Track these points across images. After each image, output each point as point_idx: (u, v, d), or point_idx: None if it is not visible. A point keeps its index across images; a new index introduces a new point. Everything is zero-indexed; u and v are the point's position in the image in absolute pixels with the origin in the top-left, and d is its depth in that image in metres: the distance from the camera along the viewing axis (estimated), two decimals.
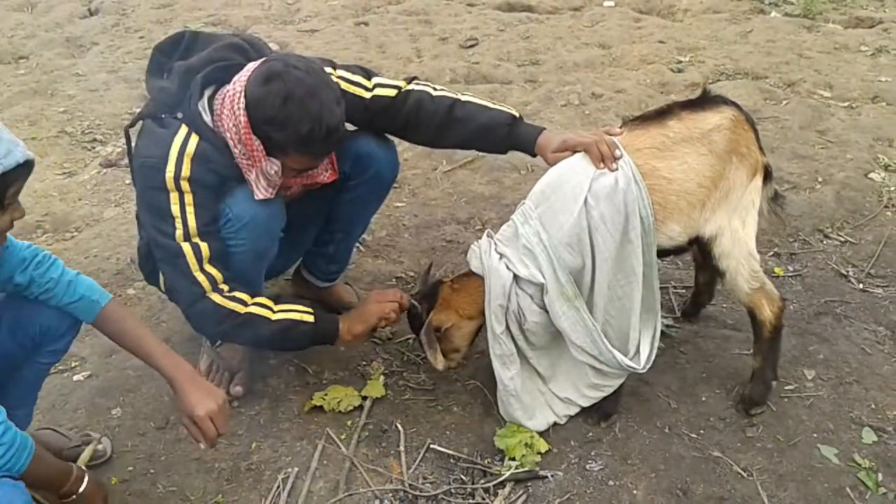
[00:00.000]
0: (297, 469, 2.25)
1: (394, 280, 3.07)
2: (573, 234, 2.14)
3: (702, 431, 2.39)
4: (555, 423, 2.39)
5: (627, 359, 2.26)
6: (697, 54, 5.19)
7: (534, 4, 6.12)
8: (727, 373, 2.59)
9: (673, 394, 2.52)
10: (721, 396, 2.51)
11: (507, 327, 2.26)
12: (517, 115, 2.40)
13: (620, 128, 2.30)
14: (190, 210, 2.12)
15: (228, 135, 2.13)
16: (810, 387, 2.54)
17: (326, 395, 2.48)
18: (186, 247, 2.12)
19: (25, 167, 1.71)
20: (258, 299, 2.20)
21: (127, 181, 3.78)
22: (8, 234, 1.90)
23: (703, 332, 2.80)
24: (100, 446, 2.26)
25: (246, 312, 2.16)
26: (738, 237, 2.27)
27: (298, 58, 2.15)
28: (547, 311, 2.22)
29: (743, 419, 2.42)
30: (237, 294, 2.17)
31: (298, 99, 2.02)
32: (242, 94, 2.07)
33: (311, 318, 2.23)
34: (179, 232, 2.11)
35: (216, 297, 2.15)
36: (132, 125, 2.24)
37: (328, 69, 2.30)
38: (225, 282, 2.17)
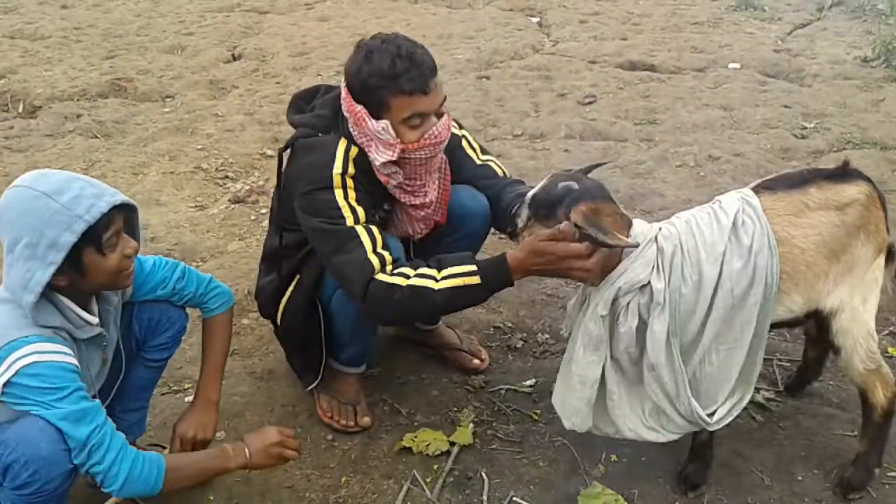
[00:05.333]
0: None
1: (492, 329, 3.13)
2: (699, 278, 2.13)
3: None
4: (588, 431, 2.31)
5: (703, 411, 2.19)
6: (824, 121, 5.06)
7: (656, 64, 6.13)
8: (827, 453, 2.49)
9: (768, 470, 2.45)
10: (819, 477, 2.42)
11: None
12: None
13: (756, 188, 2.25)
14: (353, 203, 2.27)
15: (350, 127, 2.29)
16: None
17: (416, 437, 2.55)
18: (361, 230, 2.25)
19: (119, 210, 1.88)
20: (421, 270, 2.19)
21: (252, 217, 4.03)
22: (146, 256, 2.18)
23: (805, 408, 2.70)
24: None
25: (407, 285, 2.17)
26: (858, 315, 2.21)
27: None
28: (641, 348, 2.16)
29: (840, 503, 2.33)
30: (401, 269, 2.21)
31: (377, 48, 2.21)
32: (343, 78, 2.29)
33: (476, 280, 2.16)
34: (350, 219, 2.25)
35: (382, 276, 2.19)
36: (286, 148, 2.40)
37: (454, 126, 2.53)
38: (393, 263, 2.24)
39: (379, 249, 2.23)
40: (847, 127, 4.94)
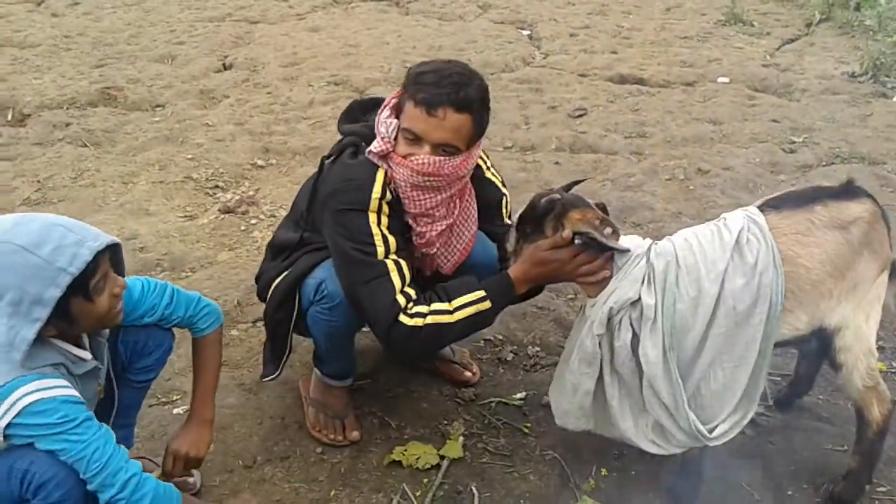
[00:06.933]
0: None
1: (482, 342, 3.13)
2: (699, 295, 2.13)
3: None
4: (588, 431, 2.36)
5: (703, 426, 2.20)
6: (812, 135, 5.09)
7: (646, 77, 6.15)
8: (817, 468, 2.50)
9: (757, 485, 2.45)
10: (808, 492, 2.42)
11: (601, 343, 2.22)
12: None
13: (762, 207, 2.26)
14: (386, 231, 2.25)
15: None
16: None
17: (406, 450, 2.54)
18: (391, 265, 2.22)
19: (106, 251, 1.83)
20: (434, 306, 2.22)
21: (242, 227, 4.01)
22: (136, 278, 2.14)
23: (794, 423, 2.71)
24: (191, 479, 2.39)
25: (425, 325, 2.19)
26: (860, 332, 2.22)
27: None
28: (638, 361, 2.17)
29: None
30: (418, 308, 2.21)
31: (437, 61, 2.26)
32: None
33: (487, 305, 2.23)
34: (381, 249, 2.22)
35: (404, 319, 2.19)
36: (332, 158, 2.37)
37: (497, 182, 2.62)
38: (414, 301, 2.22)
39: (406, 288, 2.23)
40: (835, 142, 4.97)
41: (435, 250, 2.45)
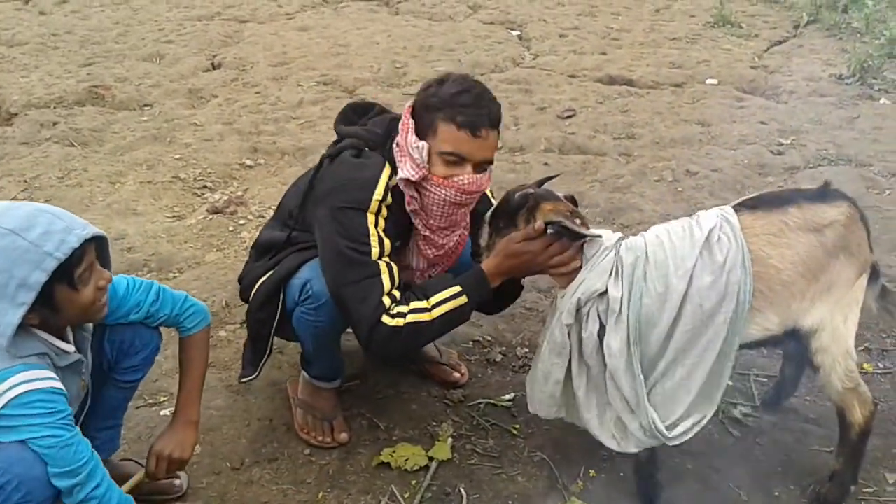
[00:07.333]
0: None
1: (471, 343, 3.13)
2: (666, 293, 2.14)
3: None
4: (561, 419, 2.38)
5: (661, 424, 2.19)
6: (800, 137, 5.11)
7: (635, 79, 6.16)
8: (803, 469, 2.51)
9: (745, 485, 2.46)
10: (795, 493, 2.43)
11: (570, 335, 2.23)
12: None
13: (738, 206, 2.26)
14: (382, 233, 2.27)
15: (395, 143, 2.31)
16: (891, 491, 2.43)
17: (395, 452, 2.54)
18: (384, 266, 2.24)
19: (91, 241, 1.83)
20: (412, 305, 2.23)
21: (230, 228, 4.00)
22: (122, 276, 2.12)
23: (781, 424, 2.72)
24: (177, 481, 2.38)
25: (405, 324, 2.21)
26: (838, 334, 2.23)
27: None
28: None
29: None
30: (398, 310, 2.22)
31: (455, 77, 2.28)
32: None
33: (464, 300, 2.25)
34: (376, 251, 2.24)
35: (386, 319, 2.20)
36: (332, 157, 2.38)
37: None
38: (397, 302, 2.24)
39: (394, 290, 2.24)
40: (822, 143, 4.99)
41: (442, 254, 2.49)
